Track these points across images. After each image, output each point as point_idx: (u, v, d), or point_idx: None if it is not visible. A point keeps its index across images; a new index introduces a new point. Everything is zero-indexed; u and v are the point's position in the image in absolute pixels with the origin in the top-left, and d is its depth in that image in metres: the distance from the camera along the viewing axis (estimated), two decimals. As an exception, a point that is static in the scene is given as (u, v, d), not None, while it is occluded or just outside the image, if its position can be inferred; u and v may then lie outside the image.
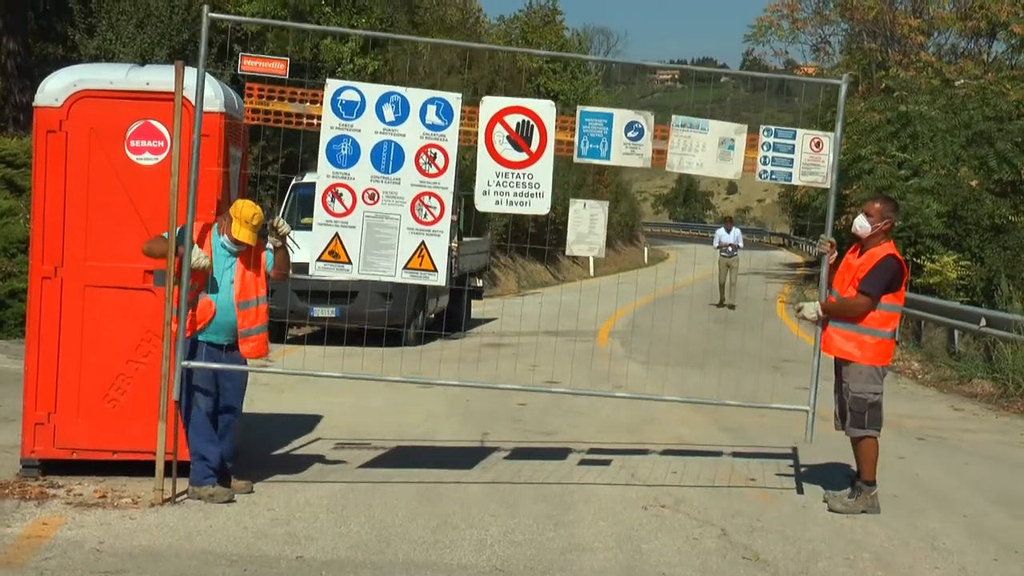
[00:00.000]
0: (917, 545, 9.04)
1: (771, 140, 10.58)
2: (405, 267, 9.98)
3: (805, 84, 38.06)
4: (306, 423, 12.79)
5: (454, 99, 10.09)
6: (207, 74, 10.05)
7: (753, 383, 17.86)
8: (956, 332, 21.88)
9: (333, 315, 19.65)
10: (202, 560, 7.83)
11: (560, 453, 11.99)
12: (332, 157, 9.88)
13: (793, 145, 10.63)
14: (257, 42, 29.61)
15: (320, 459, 11.13)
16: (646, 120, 10.41)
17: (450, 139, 9.96)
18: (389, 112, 9.86)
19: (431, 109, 9.95)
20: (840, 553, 8.69)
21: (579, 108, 10.43)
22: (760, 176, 10.75)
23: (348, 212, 9.90)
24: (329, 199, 9.91)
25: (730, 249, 33.70)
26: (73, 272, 9.67)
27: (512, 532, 8.85)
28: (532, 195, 10.10)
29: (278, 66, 9.76)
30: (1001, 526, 9.78)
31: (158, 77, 9.79)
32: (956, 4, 45.48)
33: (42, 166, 9.74)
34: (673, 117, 10.48)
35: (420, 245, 10.00)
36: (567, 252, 11.03)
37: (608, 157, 10.39)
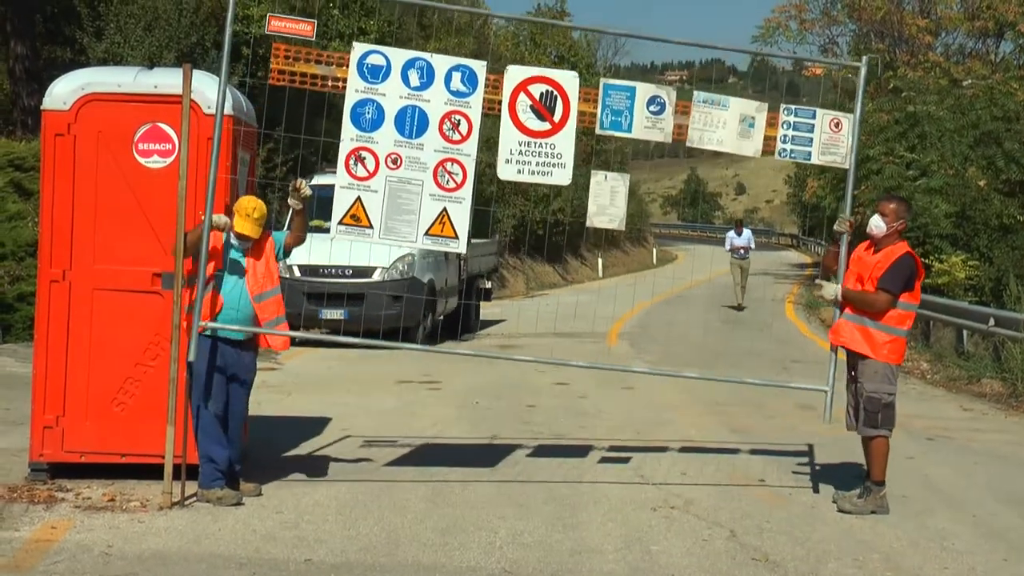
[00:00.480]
0: (926, 545, 9.01)
1: (791, 119, 10.58)
2: (427, 233, 9.99)
3: (821, 80, 37.76)
4: (314, 425, 12.78)
5: (479, 66, 10.10)
6: (215, 77, 10.06)
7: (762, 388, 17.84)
8: (965, 332, 21.84)
9: (342, 317, 19.65)
10: (211, 563, 7.82)
11: (569, 454, 11.97)
12: (356, 120, 9.83)
13: (813, 124, 10.64)
14: (264, 45, 29.56)
15: (328, 461, 11.11)
16: (668, 95, 10.40)
17: (474, 106, 9.97)
18: (414, 77, 9.86)
19: (456, 76, 9.96)
20: (849, 554, 8.67)
21: (602, 80, 10.44)
22: (780, 155, 10.73)
23: (371, 176, 9.85)
24: (352, 162, 9.84)
25: (742, 252, 33.53)
26: (81, 275, 9.68)
27: (521, 534, 8.84)
28: (554, 165, 10.13)
29: (305, 28, 9.74)
30: (1011, 526, 9.75)
31: (166, 80, 9.80)
32: (964, 4, 45.46)
33: (50, 169, 9.74)
34: (695, 93, 10.50)
35: (442, 211, 10.00)
36: (588, 224, 10.78)
37: (630, 130, 10.39)
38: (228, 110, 9.75)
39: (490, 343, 21.87)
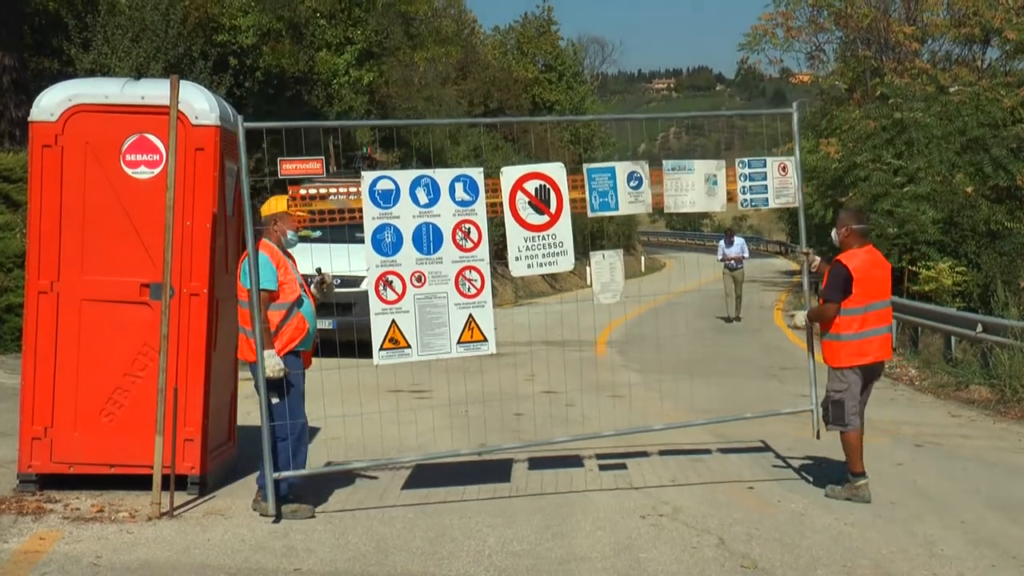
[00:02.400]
0: (915, 552, 9.03)
1: (747, 171, 11.65)
2: (459, 342, 10.33)
3: (805, 90, 37.94)
4: (304, 435, 12.76)
5: (477, 174, 10.48)
6: (202, 88, 10.08)
7: (751, 391, 17.91)
8: (953, 338, 21.88)
9: (330, 327, 19.62)
10: (200, 573, 7.83)
11: (558, 463, 11.97)
12: (378, 247, 10.06)
13: (765, 172, 11.73)
14: (252, 55, 29.61)
15: (317, 471, 11.10)
16: (643, 169, 11.20)
17: (479, 212, 10.36)
18: (422, 195, 10.16)
19: (459, 186, 10.31)
20: (838, 560, 8.69)
21: (585, 166, 11.00)
22: (742, 205, 11.84)
23: (400, 298, 10.09)
24: (381, 288, 10.06)
25: (733, 263, 32.55)
26: (69, 286, 9.68)
27: (510, 542, 8.85)
28: (558, 254, 10.68)
29: (314, 166, 9.98)
30: (999, 532, 9.77)
31: (153, 91, 9.81)
32: (950, 11, 45.56)
33: (38, 180, 9.75)
34: (664, 162, 11.39)
35: (468, 318, 10.38)
36: (595, 302, 11.49)
37: (617, 208, 11.08)
38: (214, 120, 9.80)
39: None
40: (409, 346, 10.09)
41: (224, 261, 10.27)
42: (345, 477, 10.92)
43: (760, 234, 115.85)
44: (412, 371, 14.40)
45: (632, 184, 11.09)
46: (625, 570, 8.28)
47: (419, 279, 10.18)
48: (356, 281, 20.50)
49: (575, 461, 12.07)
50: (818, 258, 11.88)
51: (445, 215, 10.16)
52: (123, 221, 9.65)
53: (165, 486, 9.21)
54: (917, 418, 16.25)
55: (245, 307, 9.55)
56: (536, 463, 11.95)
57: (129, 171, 9.71)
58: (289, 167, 9.96)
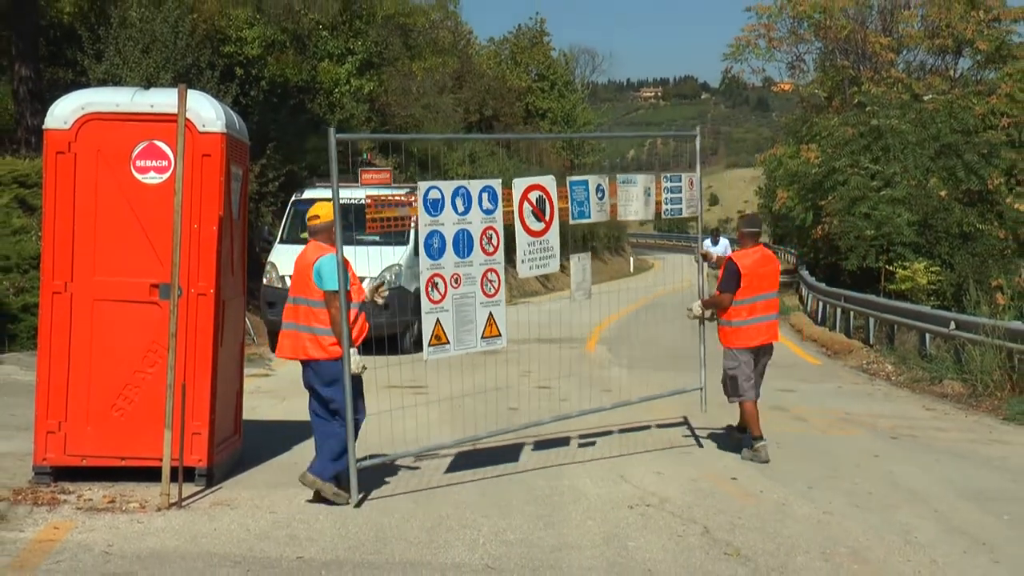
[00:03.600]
0: (891, 539, 9.04)
1: (669, 184, 12.97)
2: (482, 337, 10.86)
3: (790, 100, 37.93)
4: (305, 429, 12.62)
5: (497, 184, 11.04)
6: (209, 97, 10.07)
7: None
8: (927, 335, 21.89)
9: (332, 325, 19.59)
10: (207, 562, 7.81)
11: (550, 455, 11.97)
12: (428, 251, 10.37)
13: (681, 186, 13.07)
14: (258, 65, 29.61)
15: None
16: (606, 182, 12.24)
17: (498, 219, 10.89)
18: (460, 204, 10.57)
19: (485, 196, 10.79)
20: (817, 547, 8.69)
21: (568, 178, 11.84)
22: (665, 214, 13.19)
23: (443, 298, 10.45)
24: (430, 289, 10.36)
25: (717, 262, 31.87)
26: (82, 287, 9.67)
27: (504, 531, 8.85)
28: (549, 256, 11.42)
29: (385, 176, 10.27)
30: (971, 520, 9.78)
31: (162, 100, 9.80)
32: (924, 23, 45.64)
33: (52, 186, 9.74)
34: (617, 176, 12.49)
35: (489, 316, 10.95)
36: (571, 299, 12.47)
37: (589, 216, 11.99)
38: (220, 127, 9.79)
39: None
40: (448, 342, 10.47)
41: (230, 262, 10.28)
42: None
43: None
44: (412, 367, 14.37)
45: (598, 195, 12.01)
46: (614, 558, 8.27)
47: (456, 281, 10.58)
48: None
49: (566, 454, 12.07)
50: (715, 254, 13.79)
51: (475, 222, 10.60)
52: (133, 224, 9.64)
53: (174, 478, 9.19)
54: (893, 411, 16.27)
55: (317, 307, 9.62)
56: (529, 455, 11.95)
57: (139, 176, 9.70)
58: (368, 177, 10.33)
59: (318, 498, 9.57)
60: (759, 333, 12.28)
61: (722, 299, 12.24)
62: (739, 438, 12.55)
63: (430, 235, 10.25)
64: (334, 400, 9.72)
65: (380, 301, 10.18)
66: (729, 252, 30.72)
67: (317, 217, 9.92)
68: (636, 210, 12.65)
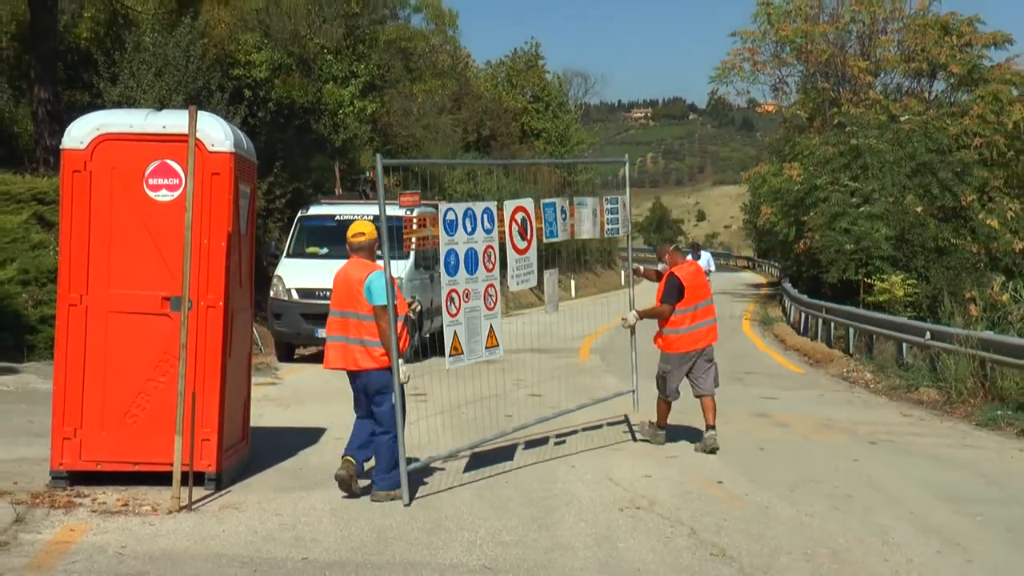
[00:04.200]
0: (869, 540, 9.03)
1: (609, 206, 13.79)
2: (485, 347, 11.17)
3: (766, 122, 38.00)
4: (310, 435, 12.76)
5: (494, 206, 11.44)
6: (218, 118, 10.07)
7: (718, 393, 17.85)
8: (904, 345, 21.88)
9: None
10: (216, 563, 7.80)
11: (544, 460, 11.97)
12: (447, 268, 10.68)
13: (618, 207, 13.90)
14: (265, 87, 29.64)
15: (324, 468, 11.07)
16: (567, 204, 12.95)
17: (495, 238, 11.26)
18: (468, 224, 10.92)
19: (485, 217, 11.13)
20: (799, 548, 8.68)
21: (542, 201, 12.42)
22: (607, 233, 13.92)
23: (458, 312, 10.73)
24: (449, 303, 10.63)
25: None
26: (97, 299, 9.67)
27: (500, 533, 8.83)
28: (529, 273, 11.94)
29: (415, 198, 10.53)
30: (945, 521, 9.78)
31: (174, 121, 9.80)
32: (900, 48, 45.78)
33: (69, 203, 9.74)
34: (575, 199, 13.20)
35: (490, 327, 11.27)
36: (546, 312, 13.60)
37: (557, 235, 12.57)
38: (229, 147, 9.79)
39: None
40: (462, 353, 10.75)
41: (238, 276, 10.26)
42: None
43: (729, 250, 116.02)
44: (413, 376, 14.34)
45: (562, 216, 12.64)
46: (605, 559, 8.26)
47: (467, 296, 10.87)
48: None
49: (559, 459, 12.07)
50: (642, 267, 14.62)
51: (480, 241, 10.94)
52: (146, 240, 9.64)
53: (184, 482, 9.18)
54: (872, 418, 16.26)
55: (366, 320, 9.83)
56: (524, 460, 11.94)
57: (151, 194, 9.70)
58: (407, 199, 10.57)
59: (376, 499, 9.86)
60: (702, 337, 13.15)
61: (663, 310, 13.05)
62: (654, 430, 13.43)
63: (448, 253, 10.54)
64: (382, 407, 9.95)
65: (412, 316, 10.38)
66: (711, 266, 30.74)
67: (362, 235, 10.14)
68: (588, 229, 13.32)
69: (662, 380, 13.23)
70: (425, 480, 10.71)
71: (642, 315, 13.48)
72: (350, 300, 9.91)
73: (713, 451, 12.64)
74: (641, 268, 14.62)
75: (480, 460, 11.78)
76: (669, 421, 13.44)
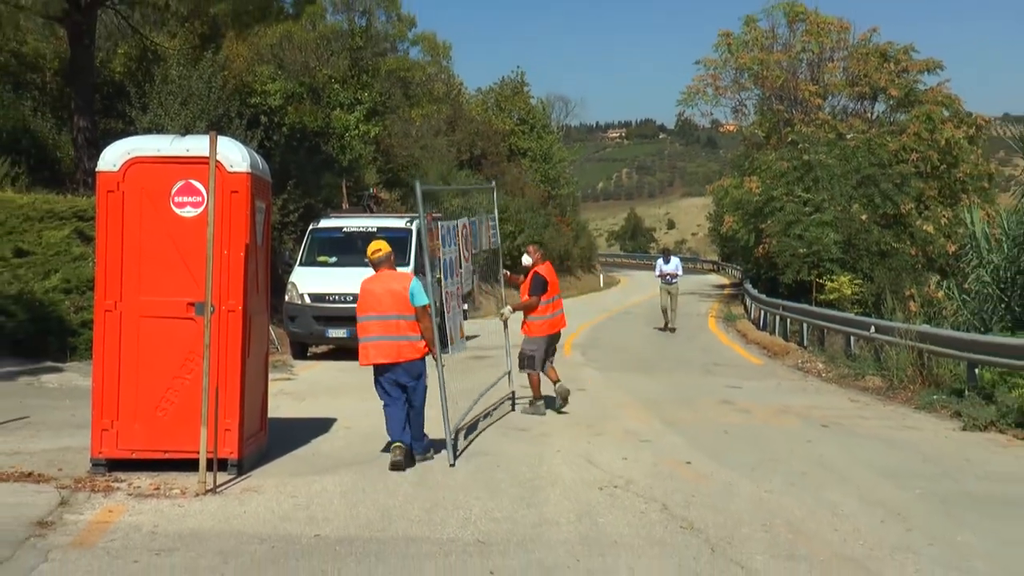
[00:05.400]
0: (821, 512, 9.04)
1: (492, 223, 15.23)
2: (460, 338, 12.31)
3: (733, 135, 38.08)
4: (322, 425, 12.74)
5: (457, 223, 13.10)
6: (236, 142, 10.06)
7: (689, 382, 17.94)
8: (852, 338, 21.92)
9: (344, 336, 19.60)
10: (238, 539, 7.79)
11: (532, 445, 11.97)
12: (444, 275, 12.15)
13: (496, 224, 15.41)
14: (279, 114, 29.63)
15: (335, 455, 11.08)
16: (481, 220, 14.59)
17: (460, 248, 12.77)
18: (449, 238, 12.29)
19: (455, 231, 12.65)
20: (759, 520, 8.68)
21: (469, 220, 13.96)
22: (491, 245, 15.30)
23: (449, 311, 12.02)
24: (443, 304, 12.01)
25: (669, 278, 30.00)
26: (130, 305, 9.65)
27: (492, 511, 8.82)
28: (472, 275, 13.20)
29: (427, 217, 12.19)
30: (888, 495, 9.79)
31: (196, 145, 9.78)
32: (846, 74, 46.00)
33: (104, 219, 9.73)
34: (481, 217, 15.04)
35: (460, 321, 12.52)
36: (500, 316, 15.08)
37: (477, 248, 14.15)
38: (246, 167, 9.78)
39: (466, 355, 21.82)
40: (454, 343, 11.85)
41: (255, 283, 10.24)
42: (356, 460, 10.85)
43: (697, 254, 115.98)
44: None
45: (480, 230, 14.20)
46: (586, 532, 8.25)
47: (450, 297, 12.06)
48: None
49: (546, 443, 12.06)
50: (508, 272, 15.73)
51: (453, 253, 12.32)
52: (172, 251, 9.62)
53: (209, 468, 9.16)
54: (823, 403, 16.28)
55: (412, 319, 10.57)
56: (513, 445, 11.93)
57: (177, 211, 9.68)
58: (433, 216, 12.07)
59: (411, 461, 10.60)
60: (558, 323, 14.60)
61: (533, 302, 14.25)
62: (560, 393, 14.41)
63: (445, 262, 11.93)
64: (417, 392, 10.71)
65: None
66: (679, 270, 30.63)
67: (380, 251, 10.78)
68: (486, 241, 14.73)
69: (531, 359, 14.20)
70: (422, 463, 10.70)
71: (515, 308, 14.52)
72: (396, 305, 10.51)
73: (567, 393, 14.33)
74: (507, 273, 15.79)
75: (474, 447, 11.78)
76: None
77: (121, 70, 28.02)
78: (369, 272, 10.99)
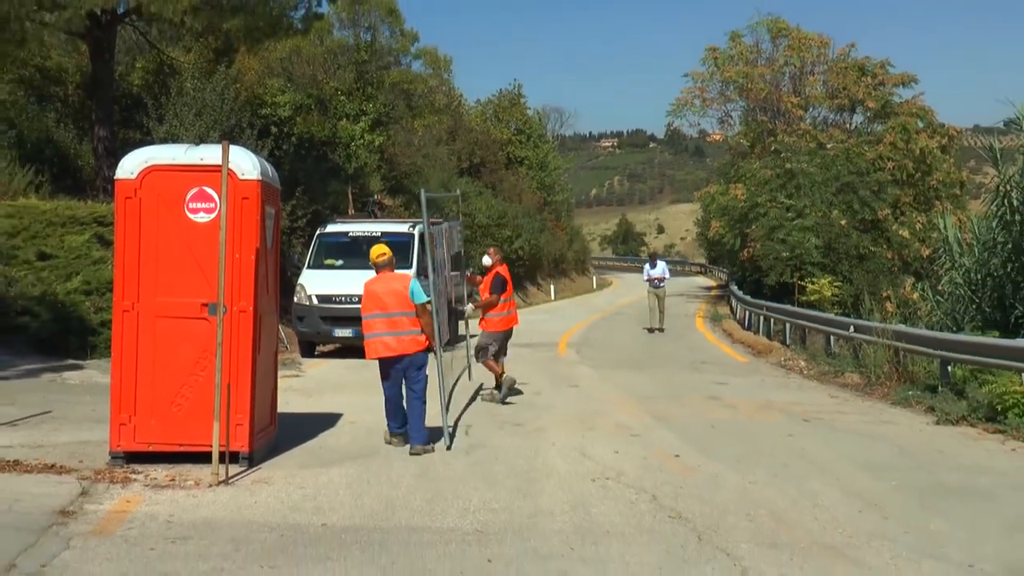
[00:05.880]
0: (802, 503, 9.04)
1: (455, 230, 16.32)
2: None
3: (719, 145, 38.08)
4: (330, 420, 12.73)
5: (444, 226, 14.80)
6: (247, 151, 10.05)
7: (678, 379, 17.95)
8: (832, 337, 21.94)
9: (350, 335, 19.59)
10: (248, 528, 7.78)
11: (528, 439, 11.96)
12: (433, 268, 12.81)
13: (461, 229, 16.67)
14: (288, 124, 29.61)
15: (340, 448, 11.07)
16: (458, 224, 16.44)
17: (447, 249, 14.40)
18: (436, 241, 13.27)
19: (439, 234, 13.85)
20: (743, 511, 8.69)
21: (445, 224, 16.05)
22: (457, 246, 16.65)
23: (440, 307, 12.71)
24: (436, 299, 12.30)
25: (656, 282, 29.80)
26: (146, 306, 9.64)
27: (490, 502, 8.82)
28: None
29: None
30: (866, 487, 9.79)
31: (210, 154, 9.77)
32: (826, 86, 46.05)
33: (122, 225, 9.73)
34: (451, 223, 16.33)
35: (445, 317, 13.62)
36: (466, 315, 16.21)
37: (456, 248, 15.72)
38: (256, 175, 9.77)
39: (466, 353, 21.85)
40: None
41: (266, 284, 10.24)
42: (361, 453, 10.86)
43: (685, 258, 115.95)
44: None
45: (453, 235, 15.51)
46: (579, 522, 8.25)
47: (440, 295, 12.80)
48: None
49: (541, 437, 12.06)
50: (470, 273, 16.90)
51: (440, 254, 13.44)
52: (187, 255, 9.61)
53: (222, 460, 9.17)
54: (805, 399, 16.28)
55: (413, 316, 10.95)
56: (510, 439, 11.93)
57: (191, 216, 9.68)
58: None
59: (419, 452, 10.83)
60: (512, 320, 15.13)
61: (493, 300, 14.75)
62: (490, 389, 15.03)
63: (436, 263, 12.94)
64: (418, 381, 11.01)
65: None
66: (667, 274, 30.55)
67: (384, 255, 11.15)
68: (456, 245, 15.79)
69: (485, 350, 14.83)
70: (425, 456, 10.70)
71: (476, 307, 15.24)
72: (398, 303, 10.91)
73: (512, 383, 14.85)
74: (468, 274, 17.02)
75: (472, 440, 11.78)
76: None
77: (139, 83, 28.00)
78: (372, 275, 11.07)
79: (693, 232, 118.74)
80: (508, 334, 15.14)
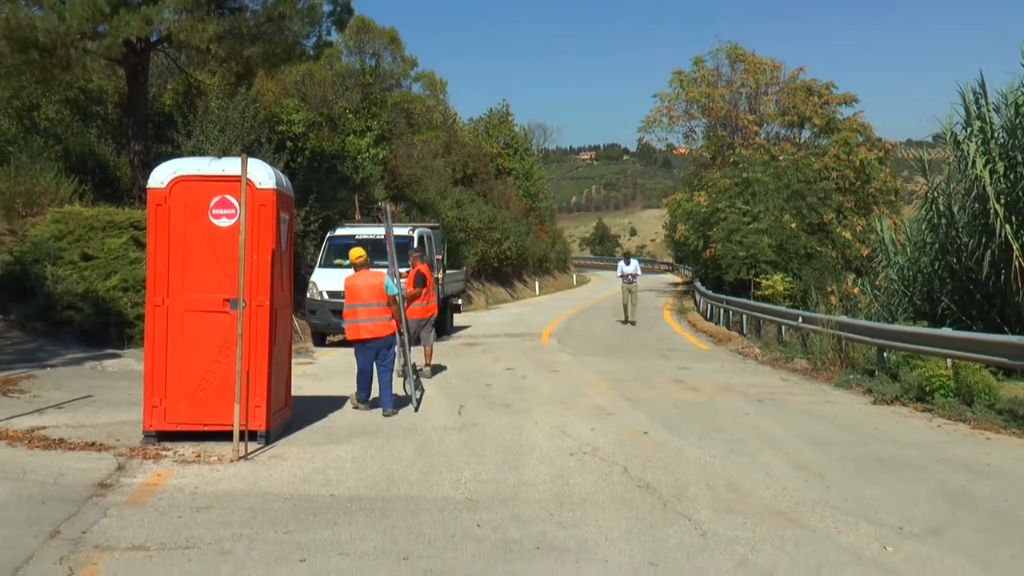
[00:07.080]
0: (756, 474, 9.05)
1: (426, 233, 16.05)
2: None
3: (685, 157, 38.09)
4: (338, 402, 12.71)
5: (431, 228, 15.41)
6: (264, 163, 10.02)
7: (648, 365, 17.95)
8: (783, 327, 21.96)
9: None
10: (265, 499, 7.77)
11: (514, 418, 11.95)
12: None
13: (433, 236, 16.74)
14: (302, 139, 29.55)
15: (347, 427, 11.05)
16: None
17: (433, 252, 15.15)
18: (433, 242, 13.88)
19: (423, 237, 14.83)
20: (704, 481, 8.69)
21: (417, 228, 16.76)
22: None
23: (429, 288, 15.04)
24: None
25: (630, 278, 29.18)
26: (175, 301, 9.62)
27: (480, 474, 8.81)
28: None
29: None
30: (812, 459, 9.80)
31: (231, 165, 9.75)
32: (778, 105, 46.14)
33: (153, 229, 9.70)
34: (429, 228, 17.35)
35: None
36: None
37: (435, 251, 16.63)
38: (272, 184, 9.75)
39: (459, 342, 21.87)
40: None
41: (281, 282, 10.21)
42: (365, 431, 10.84)
43: (655, 257, 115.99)
44: (414, 355, 14.31)
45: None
46: (559, 492, 8.25)
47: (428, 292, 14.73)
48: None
49: (526, 416, 12.05)
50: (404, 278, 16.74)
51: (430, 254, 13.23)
52: (210, 256, 9.59)
53: (241, 439, 9.16)
54: (759, 382, 16.29)
55: (385, 305, 11.89)
56: (498, 418, 11.91)
57: (214, 221, 9.65)
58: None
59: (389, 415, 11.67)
60: (431, 309, 16.24)
61: (416, 292, 15.49)
62: (421, 370, 15.41)
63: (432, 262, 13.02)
64: (388, 357, 11.96)
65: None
66: (639, 271, 30.49)
67: (361, 257, 12.05)
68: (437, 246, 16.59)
69: (416, 335, 15.79)
70: (422, 433, 10.69)
71: (405, 298, 15.42)
72: (374, 295, 11.84)
73: (429, 377, 15.37)
74: (402, 272, 17.79)
75: (464, 420, 11.76)
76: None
77: (170, 103, 27.91)
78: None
79: (662, 235, 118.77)
80: (430, 320, 16.35)
